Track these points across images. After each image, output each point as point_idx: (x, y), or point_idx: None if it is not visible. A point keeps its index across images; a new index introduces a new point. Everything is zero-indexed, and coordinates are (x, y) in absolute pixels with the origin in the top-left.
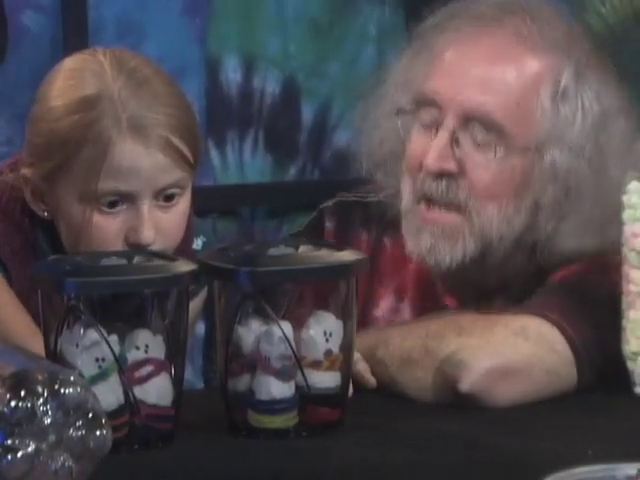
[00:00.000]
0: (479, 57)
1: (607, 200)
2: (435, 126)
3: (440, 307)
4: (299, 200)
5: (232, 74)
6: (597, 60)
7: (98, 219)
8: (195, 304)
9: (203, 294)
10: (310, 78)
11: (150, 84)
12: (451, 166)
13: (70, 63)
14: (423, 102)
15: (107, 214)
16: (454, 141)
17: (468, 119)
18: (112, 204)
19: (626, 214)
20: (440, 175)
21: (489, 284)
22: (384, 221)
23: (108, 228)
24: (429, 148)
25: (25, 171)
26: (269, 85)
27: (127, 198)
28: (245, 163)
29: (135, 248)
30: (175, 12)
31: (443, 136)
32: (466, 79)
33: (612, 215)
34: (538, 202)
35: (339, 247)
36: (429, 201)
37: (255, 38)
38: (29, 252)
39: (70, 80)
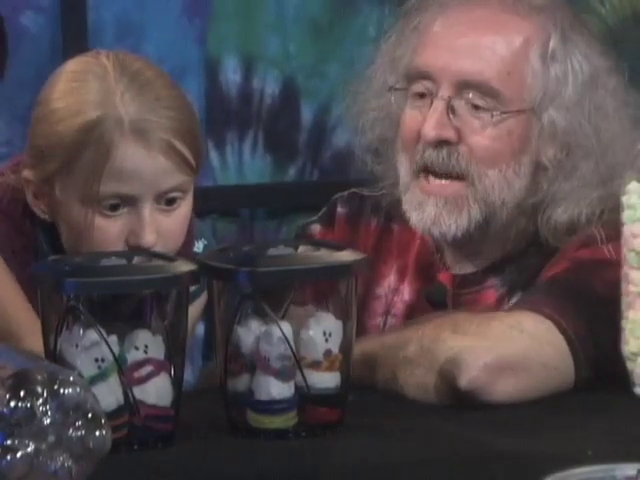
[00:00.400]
0: (467, 27)
1: (609, 156)
2: (429, 98)
3: (436, 285)
4: (299, 201)
5: (232, 75)
6: (581, 24)
7: (99, 222)
8: (195, 308)
9: (203, 298)
10: (310, 79)
11: (152, 87)
12: (449, 134)
13: (73, 65)
14: (415, 76)
15: (108, 217)
16: (450, 109)
17: (462, 87)
18: (113, 207)
19: (625, 214)
20: (439, 144)
21: (488, 258)
22: (392, 208)
23: (109, 231)
24: (425, 119)
25: (26, 173)
26: (269, 86)
27: (128, 201)
28: (244, 164)
29: (136, 251)
30: (175, 13)
31: (439, 105)
32: (457, 49)
33: (613, 173)
34: (539, 163)
35: (338, 247)
36: (428, 172)
37: (255, 39)
38: (30, 253)
39: (73, 82)
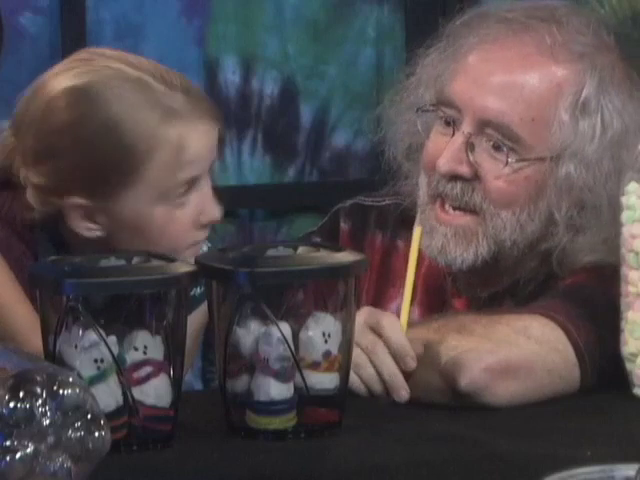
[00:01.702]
0: (500, 64)
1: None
2: (453, 127)
3: (448, 310)
4: (298, 201)
5: (231, 75)
6: (624, 73)
7: (173, 212)
8: (201, 314)
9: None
10: (309, 79)
11: (170, 74)
12: (464, 170)
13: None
14: (444, 102)
15: (179, 205)
16: (469, 146)
17: (484, 125)
18: (182, 194)
19: (625, 215)
20: (454, 177)
21: (500, 287)
22: (398, 223)
23: (184, 219)
24: (444, 149)
25: (76, 200)
26: (268, 86)
27: (193, 182)
28: (244, 164)
29: (204, 227)
30: (173, 13)
31: (458, 139)
32: (486, 85)
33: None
34: (552, 213)
35: (337, 248)
36: (444, 200)
37: (254, 39)
38: (30, 260)
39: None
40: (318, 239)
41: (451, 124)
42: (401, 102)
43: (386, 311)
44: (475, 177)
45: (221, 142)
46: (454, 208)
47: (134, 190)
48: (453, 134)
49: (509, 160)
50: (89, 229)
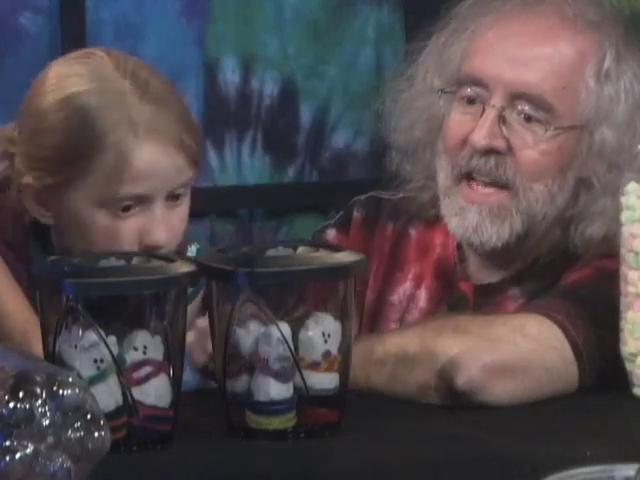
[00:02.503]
0: (525, 38)
1: None
2: (480, 105)
3: (455, 293)
4: (297, 201)
5: (230, 75)
6: (631, 40)
7: (113, 223)
8: (190, 308)
9: (199, 299)
10: (308, 79)
11: (153, 86)
12: (499, 143)
13: (62, 69)
14: (466, 81)
15: (122, 218)
16: (501, 120)
17: (516, 98)
18: (127, 208)
19: (624, 215)
20: (488, 152)
21: (511, 271)
22: (411, 213)
23: (123, 232)
24: (474, 125)
25: (28, 180)
26: (267, 86)
27: (141, 200)
28: (243, 164)
29: (149, 249)
30: (173, 14)
31: (490, 114)
32: (514, 59)
33: None
34: (582, 179)
35: (337, 248)
36: (471, 179)
37: (253, 39)
38: (21, 269)
39: (73, 88)
40: (333, 231)
41: (476, 101)
42: (406, 91)
43: (393, 294)
44: (508, 151)
45: (196, 166)
46: (484, 185)
47: (79, 186)
48: (483, 110)
49: (547, 129)
50: (42, 215)
